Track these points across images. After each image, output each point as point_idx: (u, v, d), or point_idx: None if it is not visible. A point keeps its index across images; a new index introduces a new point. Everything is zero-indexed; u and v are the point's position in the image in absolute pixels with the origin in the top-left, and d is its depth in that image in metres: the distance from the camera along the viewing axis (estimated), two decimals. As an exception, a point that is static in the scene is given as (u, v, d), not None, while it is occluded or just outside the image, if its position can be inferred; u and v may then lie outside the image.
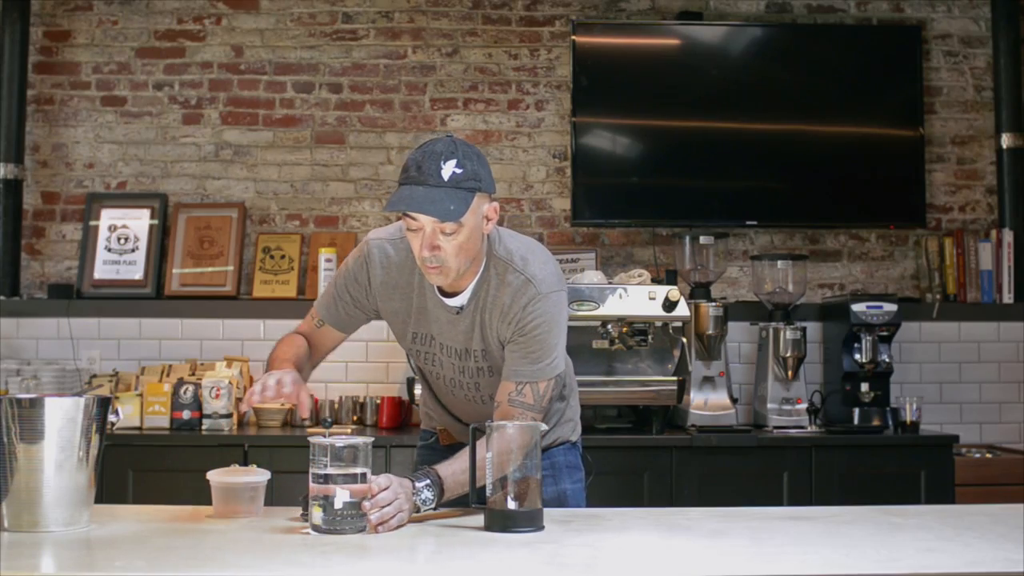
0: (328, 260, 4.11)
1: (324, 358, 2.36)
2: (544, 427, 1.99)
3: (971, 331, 4.33)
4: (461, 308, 2.16)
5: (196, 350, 4.19)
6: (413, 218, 2.02)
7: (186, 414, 3.72)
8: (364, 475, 1.87)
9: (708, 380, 3.87)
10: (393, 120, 4.37)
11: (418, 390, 2.60)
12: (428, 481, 2.01)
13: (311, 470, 1.87)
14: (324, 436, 1.89)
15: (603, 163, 4.29)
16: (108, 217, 4.26)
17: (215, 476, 2.06)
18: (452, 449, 2.32)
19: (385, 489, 1.90)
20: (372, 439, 1.92)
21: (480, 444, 1.97)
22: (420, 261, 2.07)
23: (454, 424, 2.39)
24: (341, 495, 1.84)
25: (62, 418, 1.85)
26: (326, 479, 1.85)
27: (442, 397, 2.36)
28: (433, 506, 2.01)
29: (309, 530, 1.87)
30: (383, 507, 1.88)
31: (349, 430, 3.82)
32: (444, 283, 2.11)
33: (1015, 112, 4.36)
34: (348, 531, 1.85)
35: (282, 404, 2.11)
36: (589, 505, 2.39)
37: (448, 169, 1.99)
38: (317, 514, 1.85)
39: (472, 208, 2.01)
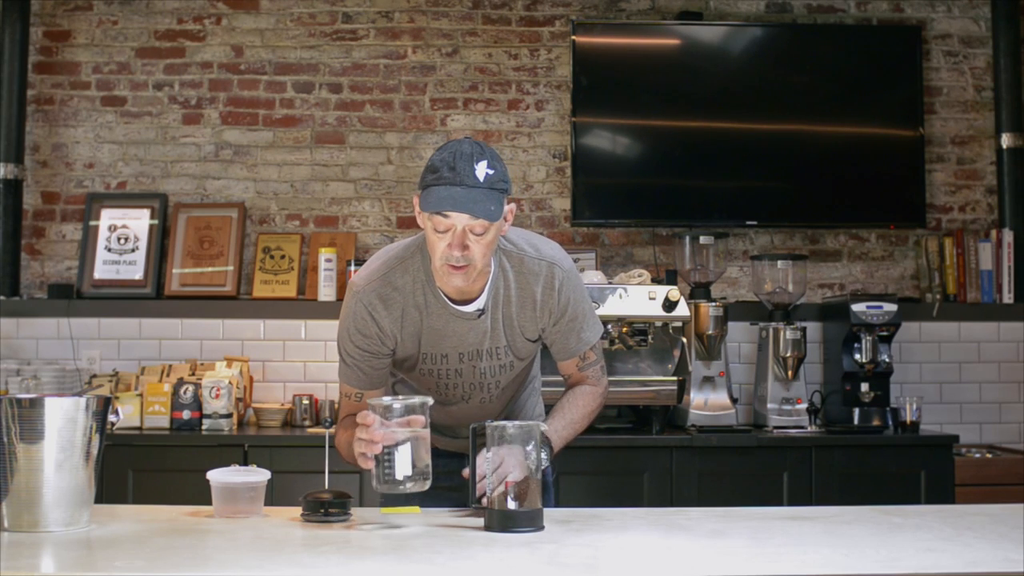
0: (328, 260, 4.11)
1: None
2: (544, 426, 2.00)
3: (971, 331, 4.33)
4: (481, 310, 2.18)
5: (196, 350, 4.19)
6: (446, 217, 2.02)
7: (186, 414, 3.73)
8: (424, 436, 1.94)
9: (708, 380, 3.87)
10: (393, 120, 4.37)
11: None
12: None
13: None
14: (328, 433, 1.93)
15: (603, 163, 4.29)
16: (108, 217, 4.26)
17: (215, 476, 2.07)
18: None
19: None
20: (430, 399, 2.00)
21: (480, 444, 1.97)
22: (443, 261, 2.06)
23: (438, 439, 2.32)
24: (404, 454, 1.91)
25: (62, 418, 1.85)
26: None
27: (443, 411, 2.31)
28: (548, 462, 2.14)
29: (376, 484, 1.94)
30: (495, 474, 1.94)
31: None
32: (465, 284, 2.10)
33: (1015, 112, 4.36)
34: (410, 488, 1.92)
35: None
36: (589, 505, 2.39)
37: (482, 170, 2.02)
38: (381, 473, 1.92)
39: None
